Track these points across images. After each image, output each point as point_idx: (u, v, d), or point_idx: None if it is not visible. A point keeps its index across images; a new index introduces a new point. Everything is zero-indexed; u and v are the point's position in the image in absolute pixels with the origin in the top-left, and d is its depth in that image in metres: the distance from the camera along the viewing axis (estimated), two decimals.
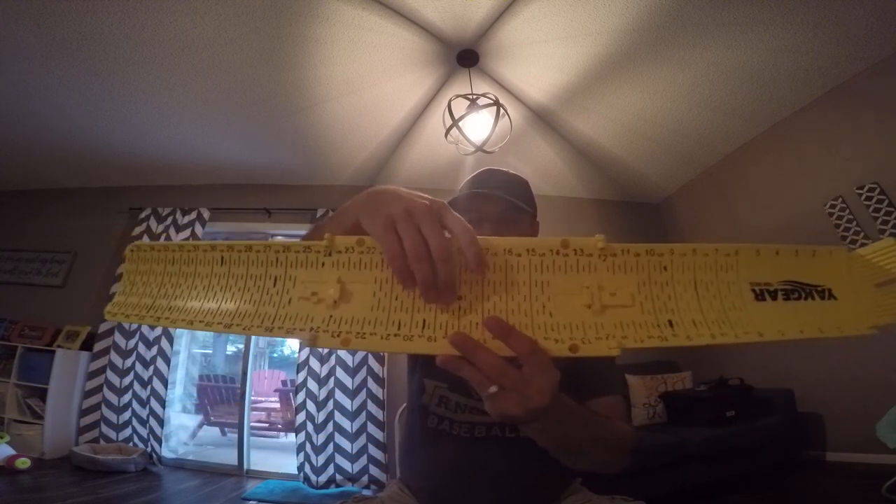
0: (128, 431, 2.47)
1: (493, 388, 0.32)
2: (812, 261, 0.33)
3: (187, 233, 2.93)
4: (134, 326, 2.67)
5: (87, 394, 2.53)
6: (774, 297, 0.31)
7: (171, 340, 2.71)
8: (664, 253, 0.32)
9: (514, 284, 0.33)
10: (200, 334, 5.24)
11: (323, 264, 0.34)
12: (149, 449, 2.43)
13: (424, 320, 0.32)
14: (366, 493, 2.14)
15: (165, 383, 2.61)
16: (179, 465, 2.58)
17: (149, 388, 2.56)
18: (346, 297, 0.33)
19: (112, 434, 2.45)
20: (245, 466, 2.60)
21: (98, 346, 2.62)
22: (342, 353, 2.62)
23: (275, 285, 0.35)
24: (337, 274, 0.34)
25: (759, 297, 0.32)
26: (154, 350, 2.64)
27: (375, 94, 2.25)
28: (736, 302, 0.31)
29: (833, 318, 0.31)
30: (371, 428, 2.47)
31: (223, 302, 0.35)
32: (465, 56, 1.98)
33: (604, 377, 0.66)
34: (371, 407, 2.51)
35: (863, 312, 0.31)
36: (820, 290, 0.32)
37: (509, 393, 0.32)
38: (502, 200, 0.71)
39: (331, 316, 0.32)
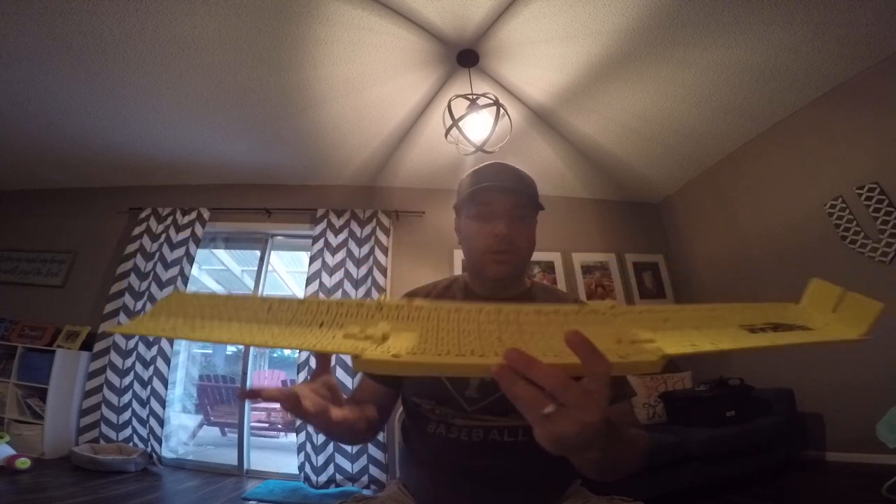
0: (128, 431, 2.47)
1: (550, 409, 0.30)
2: (780, 310, 0.39)
3: (187, 233, 2.93)
4: None
5: (87, 394, 2.53)
6: (765, 331, 0.35)
7: (171, 341, 2.71)
8: (663, 310, 0.38)
9: (545, 335, 0.35)
10: None
11: (373, 316, 0.37)
12: (149, 449, 2.43)
13: (472, 350, 0.33)
14: (366, 493, 2.13)
15: (165, 383, 2.61)
16: (179, 465, 2.58)
17: (149, 388, 2.56)
18: (394, 336, 0.35)
19: (112, 434, 2.45)
20: (245, 466, 2.59)
21: (98, 346, 2.62)
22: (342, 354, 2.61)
23: (320, 327, 0.36)
24: (386, 323, 0.36)
25: (752, 331, 0.35)
26: (154, 350, 2.64)
27: (375, 94, 2.25)
28: (736, 334, 0.36)
29: (820, 337, 0.36)
30: None
31: (259, 335, 0.35)
32: (465, 56, 1.98)
33: (616, 385, 0.67)
34: None
35: (839, 331, 0.36)
36: (799, 325, 0.36)
37: (570, 410, 0.30)
38: (516, 194, 0.70)
39: (377, 346, 0.33)
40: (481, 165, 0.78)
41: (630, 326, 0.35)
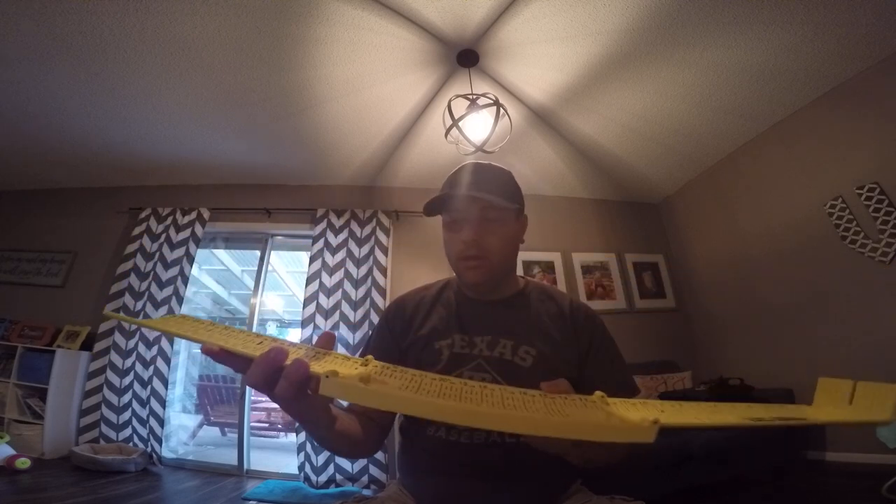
0: (128, 431, 2.47)
1: None
2: (792, 409, 0.37)
3: (187, 233, 2.93)
4: (134, 327, 2.67)
5: (87, 394, 2.53)
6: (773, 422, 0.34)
7: (171, 341, 2.70)
8: (660, 403, 0.37)
9: (526, 409, 0.36)
10: None
11: (357, 368, 0.37)
12: (149, 449, 2.43)
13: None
14: (366, 493, 2.13)
15: (165, 383, 2.61)
16: (179, 465, 2.58)
17: (149, 388, 2.56)
18: (372, 379, 0.34)
19: (112, 434, 2.45)
20: (245, 466, 2.59)
21: (98, 346, 2.61)
22: (342, 353, 2.61)
23: (316, 355, 0.40)
24: (368, 370, 0.36)
25: (757, 420, 0.34)
26: (154, 350, 2.64)
27: (375, 94, 2.25)
28: (739, 421, 0.34)
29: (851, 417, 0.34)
30: None
31: (248, 348, 0.39)
32: (465, 56, 1.98)
33: (622, 382, 0.72)
34: None
35: (863, 415, 0.34)
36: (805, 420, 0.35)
37: None
38: (480, 201, 0.69)
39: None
40: (453, 170, 0.77)
41: (621, 412, 0.33)
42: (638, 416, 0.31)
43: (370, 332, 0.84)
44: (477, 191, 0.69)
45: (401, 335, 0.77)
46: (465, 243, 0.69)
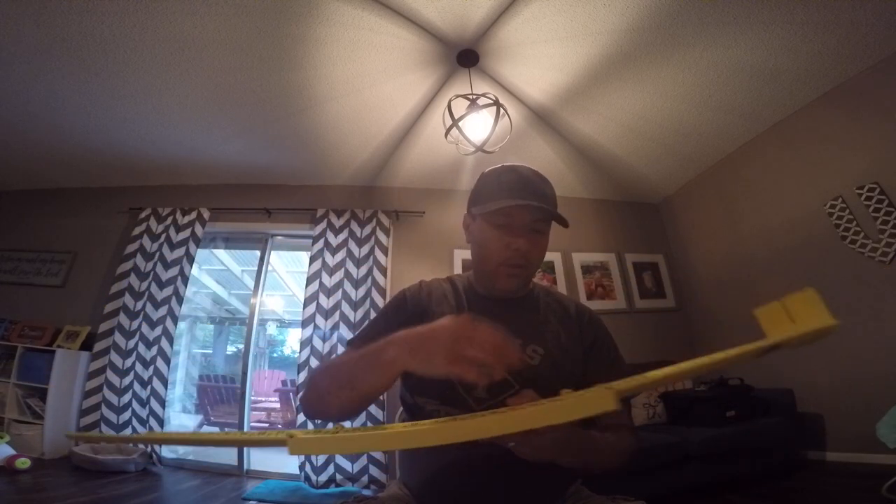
0: (128, 431, 2.47)
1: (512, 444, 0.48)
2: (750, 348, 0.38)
3: (187, 233, 2.93)
4: (134, 327, 2.67)
5: (87, 394, 2.53)
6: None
7: (171, 341, 2.71)
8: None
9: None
10: (200, 334, 5.26)
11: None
12: (149, 449, 2.43)
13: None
14: (366, 493, 2.12)
15: (165, 383, 2.61)
16: (179, 465, 2.57)
17: (149, 388, 2.56)
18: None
19: (112, 434, 2.45)
20: (245, 466, 2.59)
21: (98, 346, 2.61)
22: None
23: None
24: None
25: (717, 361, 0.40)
26: (154, 350, 2.64)
27: (375, 94, 2.25)
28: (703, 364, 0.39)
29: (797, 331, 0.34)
30: None
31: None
32: (465, 56, 1.98)
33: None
34: (371, 407, 2.51)
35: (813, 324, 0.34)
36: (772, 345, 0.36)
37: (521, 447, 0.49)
38: (541, 211, 0.71)
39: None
40: (504, 169, 0.76)
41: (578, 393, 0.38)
42: (594, 391, 0.34)
43: (372, 319, 0.84)
44: (547, 204, 0.72)
45: (418, 317, 0.75)
46: (518, 252, 0.70)
